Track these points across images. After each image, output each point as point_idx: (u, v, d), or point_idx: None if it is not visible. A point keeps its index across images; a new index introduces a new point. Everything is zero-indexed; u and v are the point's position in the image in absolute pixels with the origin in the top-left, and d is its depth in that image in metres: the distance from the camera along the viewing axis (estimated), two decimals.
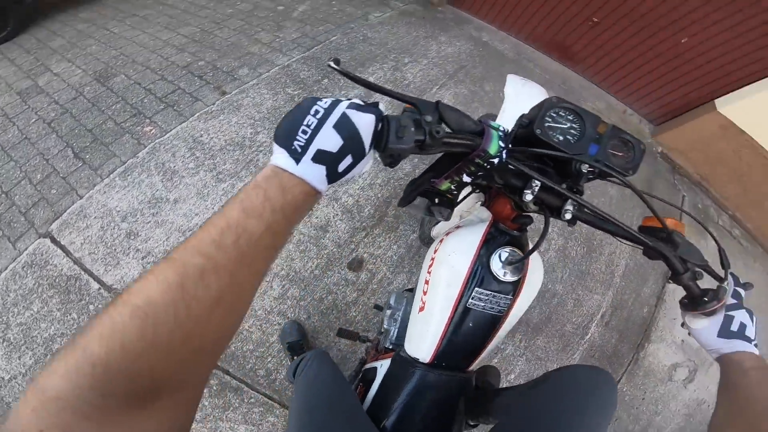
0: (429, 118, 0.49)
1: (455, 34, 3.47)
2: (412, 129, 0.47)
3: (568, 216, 0.60)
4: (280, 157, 0.38)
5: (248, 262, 0.33)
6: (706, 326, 0.61)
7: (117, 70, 2.51)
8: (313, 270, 1.73)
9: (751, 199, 3.02)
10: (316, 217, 1.87)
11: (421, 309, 0.78)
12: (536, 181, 0.57)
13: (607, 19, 3.16)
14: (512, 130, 0.66)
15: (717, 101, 2.95)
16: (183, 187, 1.84)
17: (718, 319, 0.60)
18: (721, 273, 0.62)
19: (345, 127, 0.40)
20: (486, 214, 0.80)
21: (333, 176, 0.40)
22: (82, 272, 1.61)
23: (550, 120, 0.65)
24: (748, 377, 0.55)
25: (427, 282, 0.79)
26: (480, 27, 3.82)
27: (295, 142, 0.38)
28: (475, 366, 0.77)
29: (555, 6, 3.37)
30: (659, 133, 3.35)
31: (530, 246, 0.72)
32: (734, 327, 0.60)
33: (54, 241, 1.68)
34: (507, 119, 0.95)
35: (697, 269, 0.60)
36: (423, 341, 0.75)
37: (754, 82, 2.75)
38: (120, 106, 2.25)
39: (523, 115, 0.66)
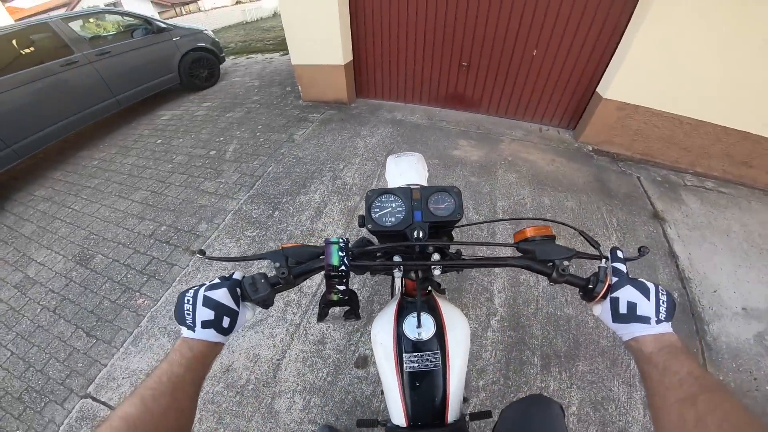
0: (277, 265, 0.66)
1: (373, 123, 4.02)
2: (262, 281, 0.64)
3: (437, 272, 0.74)
4: (184, 330, 0.58)
5: (180, 390, 0.51)
6: (600, 311, 0.61)
7: (93, 250, 2.87)
8: (325, 378, 1.88)
9: (696, 153, 3.29)
10: (312, 335, 2.07)
11: (382, 383, 0.86)
12: (400, 266, 0.73)
13: (473, 59, 3.85)
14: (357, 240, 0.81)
15: (598, 90, 3.46)
16: None
17: (605, 305, 0.59)
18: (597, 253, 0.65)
19: (209, 302, 0.59)
20: (398, 291, 0.97)
21: (223, 331, 0.59)
22: None
23: (377, 210, 0.79)
24: (651, 364, 0.51)
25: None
26: (391, 108, 4.44)
27: (187, 320, 0.58)
28: (451, 418, 0.80)
29: (432, 63, 4.05)
30: (580, 136, 3.71)
31: (441, 304, 0.85)
32: (623, 309, 0.56)
33: (95, 399, 1.96)
34: None
35: (565, 263, 0.61)
36: (394, 409, 0.81)
37: (608, 62, 3.33)
38: (109, 285, 2.57)
39: (360, 215, 0.79)
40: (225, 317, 0.60)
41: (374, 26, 4.14)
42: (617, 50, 3.27)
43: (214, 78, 6.11)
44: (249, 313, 0.66)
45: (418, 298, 0.76)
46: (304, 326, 2.12)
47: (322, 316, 0.87)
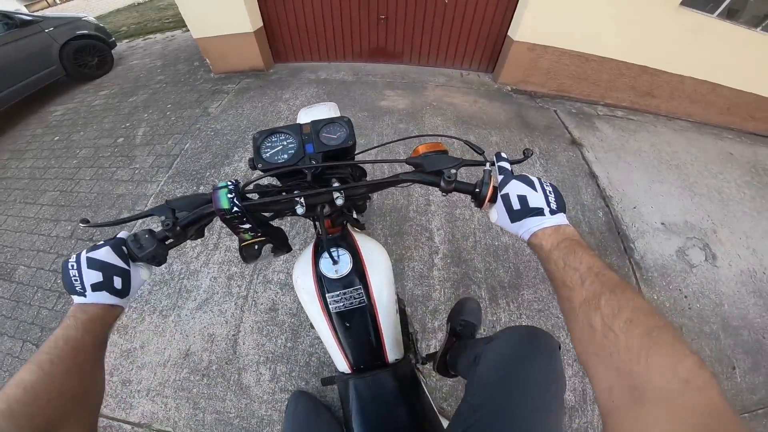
0: (163, 218, 0.63)
1: (296, 86, 3.98)
2: (146, 236, 0.61)
3: (339, 202, 0.69)
4: (75, 298, 0.56)
5: (81, 352, 0.50)
6: (497, 215, 0.59)
7: (12, 263, 2.66)
8: (284, 344, 1.89)
9: (604, 86, 3.68)
10: (262, 303, 2.06)
11: (317, 332, 0.85)
12: (299, 198, 0.67)
13: (389, 11, 3.93)
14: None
15: (509, 34, 3.68)
16: (139, 334, 2.08)
17: (500, 207, 0.58)
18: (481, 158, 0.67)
19: (94, 263, 0.57)
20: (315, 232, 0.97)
21: (118, 293, 0.57)
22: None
23: (268, 148, 0.76)
24: (552, 261, 0.49)
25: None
26: (314, 68, 4.40)
27: (76, 287, 0.55)
28: (391, 357, 0.80)
29: (351, 20, 4.07)
30: (498, 77, 3.98)
31: (357, 239, 0.85)
32: (516, 204, 0.56)
33: None
34: None
35: (452, 171, 0.63)
36: (336, 356, 0.81)
37: (515, 6, 3.51)
38: (41, 294, 2.42)
39: (249, 158, 0.76)
40: (115, 277, 0.58)
41: None
42: None
43: (107, 65, 5.61)
44: (144, 272, 0.63)
45: (323, 232, 0.75)
46: (251, 297, 2.12)
47: (248, 258, 0.79)
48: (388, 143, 1.09)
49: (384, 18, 3.98)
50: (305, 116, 1.29)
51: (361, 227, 1.15)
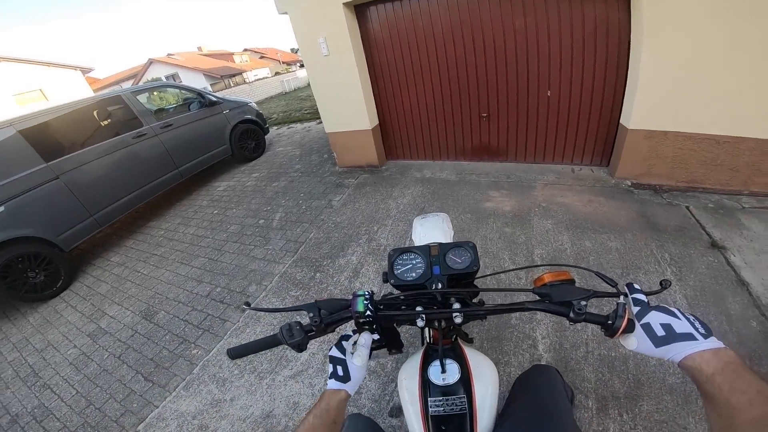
0: (311, 315, 0.76)
1: (404, 184, 4.24)
2: (297, 327, 0.75)
3: (458, 320, 0.75)
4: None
5: None
6: (637, 343, 0.60)
7: (157, 307, 3.27)
8: None
9: (746, 171, 2.98)
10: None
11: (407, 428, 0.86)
12: (421, 315, 0.77)
13: (491, 109, 3.93)
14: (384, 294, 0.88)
15: (621, 122, 3.33)
16: (234, 388, 2.28)
17: (639, 335, 0.59)
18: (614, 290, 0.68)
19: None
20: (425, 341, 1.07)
21: (341, 379, 0.74)
22: None
23: (400, 266, 0.86)
24: (715, 385, 0.49)
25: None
26: (420, 166, 4.63)
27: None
28: None
29: (453, 119, 4.20)
30: (615, 171, 3.53)
31: (467, 352, 0.89)
32: (659, 331, 0.56)
33: None
34: None
35: (582, 302, 0.62)
36: None
37: (623, 92, 3.21)
38: (168, 337, 2.89)
39: (383, 272, 0.86)
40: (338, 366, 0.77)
41: (393, 89, 4.43)
42: (628, 78, 3.20)
43: (261, 149, 6.54)
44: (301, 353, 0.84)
45: (440, 344, 0.82)
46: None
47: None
48: (509, 270, 1.21)
49: (485, 116, 3.99)
50: (420, 227, 1.40)
51: (470, 341, 1.20)
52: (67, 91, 14.56)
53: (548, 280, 0.74)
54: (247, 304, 0.84)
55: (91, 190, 4.18)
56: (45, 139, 3.88)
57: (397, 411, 1.99)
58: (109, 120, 4.46)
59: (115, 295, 3.63)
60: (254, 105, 6.46)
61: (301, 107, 11.11)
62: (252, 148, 6.39)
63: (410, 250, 0.90)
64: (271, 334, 0.80)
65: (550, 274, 0.75)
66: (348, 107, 4.52)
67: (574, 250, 2.79)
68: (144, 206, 5.24)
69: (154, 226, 5.00)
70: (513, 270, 1.84)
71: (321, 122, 4.90)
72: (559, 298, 0.67)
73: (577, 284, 0.73)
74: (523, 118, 3.88)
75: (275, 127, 8.78)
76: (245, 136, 6.14)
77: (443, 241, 1.23)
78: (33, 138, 3.77)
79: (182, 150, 5.17)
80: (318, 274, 3.17)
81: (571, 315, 0.64)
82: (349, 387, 0.74)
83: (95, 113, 4.33)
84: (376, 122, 4.70)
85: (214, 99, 5.60)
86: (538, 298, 0.74)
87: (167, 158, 5.01)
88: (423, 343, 1.45)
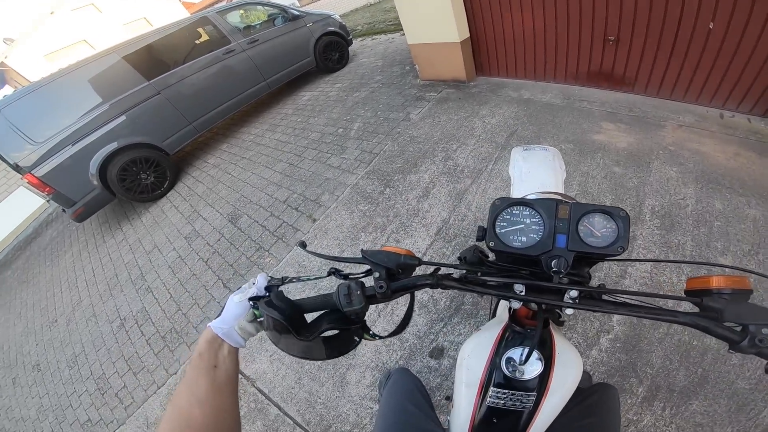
0: (377, 275, 0.58)
1: (495, 102, 3.73)
2: (358, 292, 0.56)
3: (569, 312, 0.57)
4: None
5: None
6: None
7: (241, 211, 3.52)
8: (397, 360, 1.93)
9: None
10: (397, 315, 2.10)
11: (452, 407, 0.78)
12: (519, 286, 0.57)
13: (623, 33, 3.12)
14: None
15: None
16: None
17: None
18: None
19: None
20: (506, 316, 0.78)
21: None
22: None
23: (505, 224, 0.63)
24: None
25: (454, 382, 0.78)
26: (517, 86, 3.96)
27: None
28: None
29: (569, 38, 3.45)
30: None
31: (556, 341, 0.70)
32: None
33: None
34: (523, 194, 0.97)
35: (764, 331, 0.45)
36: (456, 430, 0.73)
37: None
38: (248, 243, 3.10)
39: (479, 226, 0.66)
40: None
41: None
42: None
43: (344, 60, 6.51)
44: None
45: (537, 333, 0.61)
46: (392, 306, 2.19)
47: (332, 351, 0.68)
48: (659, 261, 0.87)
49: (613, 39, 3.18)
50: (522, 161, 1.12)
51: (561, 323, 0.94)
52: (167, 17, 15.54)
53: (717, 286, 0.51)
54: (303, 244, 0.69)
55: (188, 102, 4.71)
56: (145, 61, 4.41)
57: (437, 353, 1.92)
58: (199, 40, 4.95)
59: (209, 196, 4.00)
60: (337, 17, 6.45)
61: (386, 18, 10.45)
62: (336, 59, 6.41)
63: (527, 203, 0.63)
64: (325, 293, 0.63)
65: (723, 278, 0.51)
66: (433, 18, 3.98)
67: (697, 210, 2.19)
68: (237, 113, 5.59)
69: (245, 132, 5.37)
70: (668, 262, 1.38)
71: (404, 34, 4.40)
72: (733, 319, 0.47)
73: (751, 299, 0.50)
74: (665, 49, 2.98)
75: (359, 39, 8.37)
76: (329, 48, 6.23)
77: (554, 189, 0.97)
78: (134, 61, 4.31)
79: (269, 63, 5.47)
80: (387, 189, 3.04)
81: (745, 344, 0.45)
82: (215, 324, 0.64)
83: (187, 34, 4.80)
84: (467, 35, 4.12)
85: (297, 13, 5.80)
86: (693, 307, 0.52)
87: (255, 71, 5.34)
88: (491, 315, 1.23)
